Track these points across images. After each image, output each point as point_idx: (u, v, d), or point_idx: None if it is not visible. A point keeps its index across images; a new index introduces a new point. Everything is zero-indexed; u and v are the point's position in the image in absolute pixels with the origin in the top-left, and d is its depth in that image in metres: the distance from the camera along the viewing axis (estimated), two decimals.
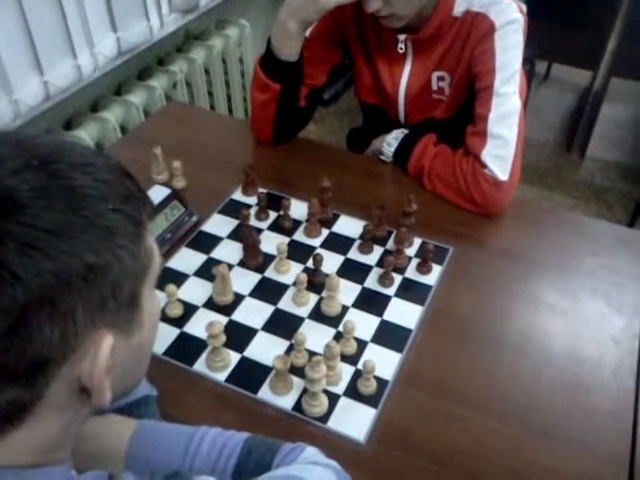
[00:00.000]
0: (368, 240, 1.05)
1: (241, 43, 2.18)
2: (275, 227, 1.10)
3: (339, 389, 0.83)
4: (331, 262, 1.02)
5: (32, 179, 0.39)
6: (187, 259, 1.02)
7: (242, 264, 1.02)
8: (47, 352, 0.39)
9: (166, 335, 0.90)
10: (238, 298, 0.95)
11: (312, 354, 0.84)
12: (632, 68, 2.49)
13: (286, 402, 0.82)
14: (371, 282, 0.99)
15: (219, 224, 1.09)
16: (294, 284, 0.96)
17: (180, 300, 0.94)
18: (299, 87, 1.23)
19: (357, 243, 1.06)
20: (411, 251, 1.05)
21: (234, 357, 0.87)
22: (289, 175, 1.24)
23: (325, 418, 0.80)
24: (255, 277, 0.99)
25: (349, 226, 1.10)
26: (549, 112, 2.97)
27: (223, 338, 0.83)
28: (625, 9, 2.42)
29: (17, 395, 0.39)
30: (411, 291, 0.98)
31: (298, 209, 1.11)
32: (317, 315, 0.93)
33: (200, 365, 0.86)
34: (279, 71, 1.18)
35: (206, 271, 0.98)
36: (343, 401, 0.82)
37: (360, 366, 0.84)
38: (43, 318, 0.38)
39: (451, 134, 1.20)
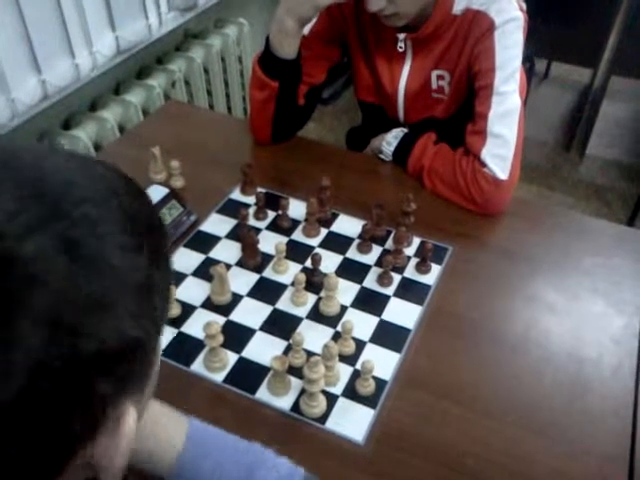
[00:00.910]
0: (367, 239, 1.04)
1: (240, 42, 2.18)
2: (274, 227, 1.09)
3: (337, 389, 0.82)
4: (330, 262, 1.01)
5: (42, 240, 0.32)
6: (185, 259, 1.02)
7: (240, 264, 1.01)
8: (70, 445, 0.33)
9: (163, 336, 0.89)
10: (236, 298, 0.95)
11: (310, 354, 0.83)
12: (632, 66, 2.49)
13: (284, 403, 0.81)
14: (370, 282, 0.99)
15: (217, 224, 1.09)
16: (292, 284, 0.96)
17: (178, 300, 0.94)
18: (298, 85, 1.22)
19: (356, 242, 1.06)
20: (410, 250, 1.05)
21: (232, 357, 0.86)
22: (288, 174, 1.24)
23: (323, 419, 0.79)
24: (253, 277, 0.99)
25: (348, 225, 1.09)
26: (549, 111, 2.96)
27: (221, 338, 0.82)
28: (625, 7, 2.41)
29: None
30: (410, 291, 0.97)
31: (297, 209, 1.11)
32: (315, 315, 0.93)
33: (198, 366, 0.86)
34: (277, 69, 1.17)
35: (204, 271, 0.98)
36: (341, 401, 0.81)
37: (359, 366, 0.83)
38: (69, 412, 0.32)
39: (451, 133, 1.20)
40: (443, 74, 1.21)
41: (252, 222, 1.09)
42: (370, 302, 0.95)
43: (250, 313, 0.93)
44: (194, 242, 1.05)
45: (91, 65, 1.60)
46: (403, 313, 0.93)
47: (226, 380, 0.84)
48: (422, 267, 1.01)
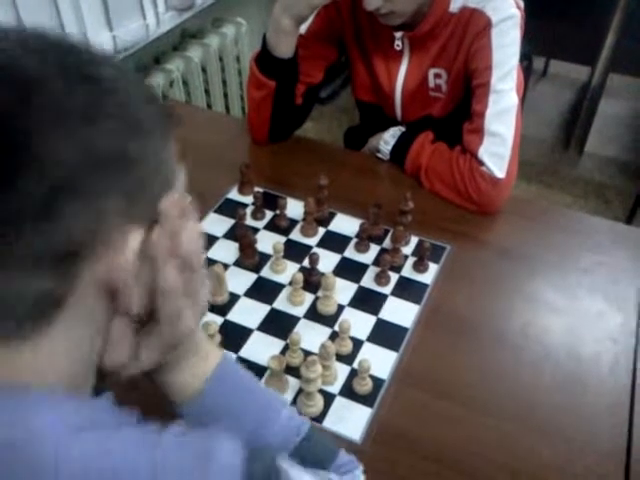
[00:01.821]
0: (364, 239, 1.04)
1: (238, 41, 2.17)
2: (271, 226, 1.09)
3: (335, 389, 0.82)
4: (327, 261, 1.01)
5: (53, 62, 0.39)
6: None
7: (238, 264, 1.01)
8: (77, 239, 0.38)
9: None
10: (234, 298, 0.95)
11: (308, 354, 0.83)
12: (630, 64, 2.49)
13: None
14: (367, 281, 0.99)
15: (215, 223, 1.09)
16: (290, 283, 0.96)
17: None
18: (295, 84, 1.22)
19: (353, 242, 1.06)
20: (408, 249, 1.05)
21: None
22: (286, 174, 1.24)
23: (321, 418, 0.79)
24: (251, 277, 0.99)
25: (346, 225, 1.09)
26: (547, 108, 2.96)
27: (218, 338, 0.82)
28: (623, 5, 2.41)
29: (47, 286, 0.38)
30: (407, 290, 0.97)
31: (294, 208, 1.11)
32: (313, 314, 0.93)
33: None
34: (274, 68, 1.17)
35: None
36: (339, 401, 0.81)
37: (356, 365, 0.83)
38: (70, 204, 0.37)
39: (448, 131, 1.20)
40: (440, 72, 1.21)
41: (250, 222, 1.09)
42: (367, 301, 0.95)
43: (248, 313, 0.93)
44: None
45: None
46: (400, 312, 0.94)
47: None
48: (420, 266, 1.01)
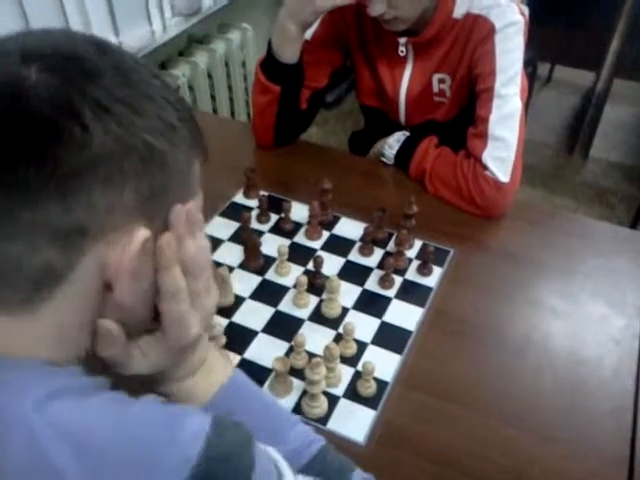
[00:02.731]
0: (368, 242, 1.05)
1: (244, 47, 2.19)
2: (276, 230, 1.10)
3: (339, 390, 0.83)
4: (332, 264, 1.02)
5: (108, 59, 0.43)
6: None
7: (243, 266, 1.02)
8: (90, 219, 0.40)
9: None
10: (239, 300, 0.96)
11: (312, 356, 0.84)
12: (635, 69, 2.49)
13: (286, 404, 0.82)
14: (371, 284, 0.99)
15: (220, 227, 1.10)
16: (294, 286, 0.96)
17: None
18: (300, 89, 1.23)
19: (357, 245, 1.07)
20: (412, 253, 1.05)
21: (234, 359, 0.87)
22: (290, 178, 1.25)
23: (325, 419, 0.80)
24: (256, 279, 1.00)
25: (350, 228, 1.10)
26: (552, 114, 2.96)
27: (223, 340, 0.83)
28: (628, 10, 2.42)
29: (52, 259, 0.40)
30: (411, 293, 0.98)
31: (299, 212, 1.11)
32: (317, 317, 0.93)
33: None
34: (279, 73, 1.18)
35: None
36: (343, 402, 0.82)
37: (360, 367, 0.84)
38: (96, 182, 0.40)
39: (452, 136, 1.21)
40: (444, 77, 1.22)
41: (255, 225, 1.10)
42: (371, 304, 0.96)
43: (253, 315, 0.93)
44: None
45: None
46: (404, 315, 0.94)
47: None
48: (423, 269, 1.01)
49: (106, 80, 0.41)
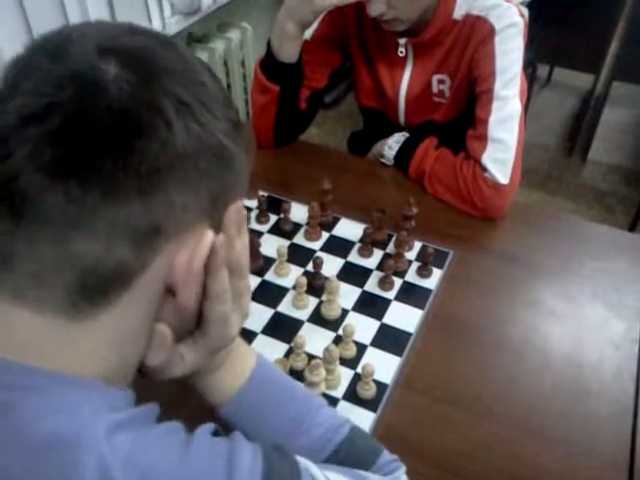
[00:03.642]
0: (368, 243, 1.05)
1: (243, 46, 2.18)
2: (275, 230, 1.10)
3: (338, 393, 0.82)
4: (331, 265, 1.02)
5: (174, 55, 0.42)
6: None
7: None
8: (167, 218, 0.39)
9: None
10: None
11: (311, 357, 0.83)
12: (634, 72, 2.49)
13: None
14: (371, 285, 0.99)
15: None
16: (294, 287, 0.96)
17: None
18: (299, 89, 1.23)
19: (357, 246, 1.06)
20: (411, 254, 1.05)
21: None
22: (290, 178, 1.24)
23: None
24: (255, 280, 0.99)
25: (349, 229, 1.10)
26: (551, 116, 2.97)
27: None
28: (627, 12, 2.42)
29: (127, 258, 0.38)
30: (411, 295, 0.98)
31: (299, 212, 1.11)
32: (317, 318, 0.93)
33: None
34: (279, 73, 1.18)
35: None
36: (342, 405, 0.81)
37: (359, 370, 0.83)
38: (175, 180, 0.39)
39: (451, 137, 1.21)
40: (444, 78, 1.22)
41: (254, 226, 1.10)
42: (371, 306, 0.95)
43: (252, 316, 0.91)
44: None
45: None
46: (404, 317, 0.94)
47: None
48: (423, 271, 1.01)
49: (180, 77, 0.41)
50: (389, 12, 1.08)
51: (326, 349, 0.80)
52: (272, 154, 1.30)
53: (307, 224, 1.09)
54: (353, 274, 1.01)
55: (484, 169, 1.10)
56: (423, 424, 0.80)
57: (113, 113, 0.37)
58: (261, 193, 1.15)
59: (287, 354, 0.87)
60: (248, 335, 0.90)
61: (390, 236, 1.08)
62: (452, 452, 0.78)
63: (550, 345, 0.92)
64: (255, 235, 1.03)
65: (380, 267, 1.02)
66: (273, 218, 1.12)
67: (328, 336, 0.90)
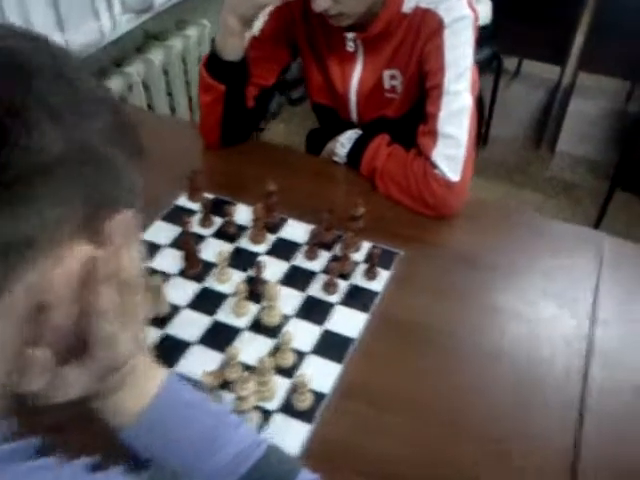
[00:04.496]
0: (314, 245, 1.01)
1: (201, 43, 2.14)
2: (220, 234, 1.06)
3: (273, 405, 0.79)
4: (276, 269, 0.98)
5: (45, 56, 0.40)
6: None
7: (182, 273, 0.98)
8: (37, 231, 0.37)
9: None
10: (175, 310, 0.91)
11: (248, 368, 0.80)
12: (599, 63, 2.49)
13: None
14: (315, 289, 0.96)
15: (161, 231, 1.05)
16: (234, 294, 0.92)
17: None
18: (245, 88, 1.19)
19: (303, 249, 1.03)
20: (359, 256, 1.02)
21: None
22: (239, 179, 1.20)
23: None
24: (195, 287, 0.95)
25: (297, 231, 1.06)
26: (519, 108, 2.96)
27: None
28: (591, 4, 2.41)
29: None
30: (356, 298, 0.94)
31: (245, 214, 1.07)
32: (256, 326, 0.89)
33: None
34: (223, 71, 1.14)
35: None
36: (277, 417, 0.78)
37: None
38: (44, 189, 0.36)
39: (403, 133, 1.17)
40: (395, 74, 1.19)
41: (198, 229, 1.06)
42: (314, 311, 0.92)
43: (189, 325, 0.89)
44: None
45: None
46: (348, 321, 0.90)
47: None
48: (370, 273, 0.98)
49: (49, 79, 0.38)
50: (334, 7, 1.04)
51: (259, 360, 0.76)
52: (222, 154, 1.25)
53: (252, 226, 1.05)
54: (297, 278, 0.97)
55: (434, 166, 1.07)
56: (362, 433, 0.77)
57: None
58: (207, 195, 1.11)
59: (224, 365, 0.83)
60: (181, 346, 0.86)
61: (340, 237, 1.05)
62: (392, 461, 0.75)
63: (502, 343, 0.90)
64: (193, 239, 0.99)
65: (326, 270, 0.98)
66: (218, 221, 1.08)
67: (267, 344, 0.87)
